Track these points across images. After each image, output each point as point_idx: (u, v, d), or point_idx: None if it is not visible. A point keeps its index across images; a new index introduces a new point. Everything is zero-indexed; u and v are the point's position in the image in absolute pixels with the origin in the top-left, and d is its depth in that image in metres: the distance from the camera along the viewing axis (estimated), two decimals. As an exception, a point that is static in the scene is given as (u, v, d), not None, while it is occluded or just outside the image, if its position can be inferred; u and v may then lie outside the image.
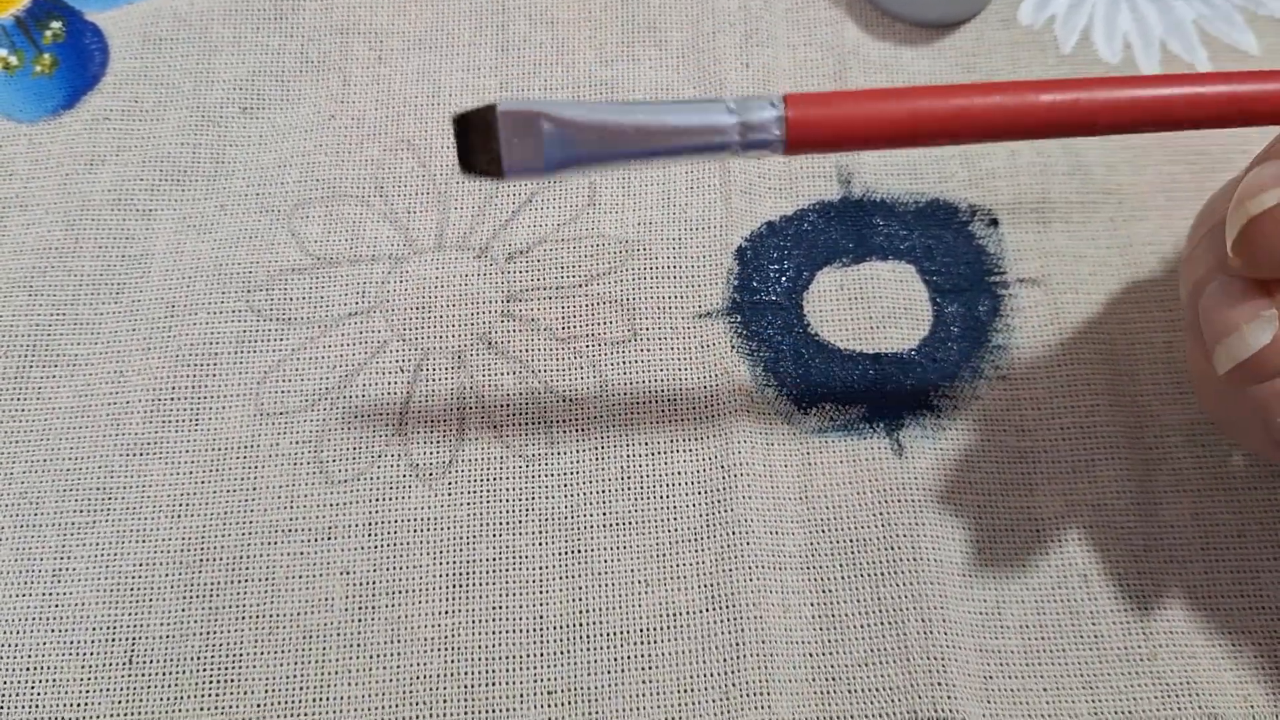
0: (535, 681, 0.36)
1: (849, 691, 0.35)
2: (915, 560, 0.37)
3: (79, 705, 0.35)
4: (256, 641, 0.36)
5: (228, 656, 0.36)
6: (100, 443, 0.39)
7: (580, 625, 0.36)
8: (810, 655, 0.36)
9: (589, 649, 0.36)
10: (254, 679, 0.36)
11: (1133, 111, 0.28)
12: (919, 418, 0.39)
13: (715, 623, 0.36)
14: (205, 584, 0.37)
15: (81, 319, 0.40)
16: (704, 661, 0.36)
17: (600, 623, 0.36)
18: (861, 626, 0.36)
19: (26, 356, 0.40)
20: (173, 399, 0.39)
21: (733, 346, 0.40)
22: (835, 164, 0.43)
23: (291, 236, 0.42)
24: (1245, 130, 0.29)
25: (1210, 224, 0.33)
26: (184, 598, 0.37)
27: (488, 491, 0.38)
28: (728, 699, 0.35)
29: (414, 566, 0.37)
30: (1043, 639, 0.36)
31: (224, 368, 0.40)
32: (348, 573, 0.37)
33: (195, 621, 0.36)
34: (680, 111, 0.28)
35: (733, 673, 0.35)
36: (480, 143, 0.28)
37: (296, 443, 0.39)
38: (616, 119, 0.28)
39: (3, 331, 0.40)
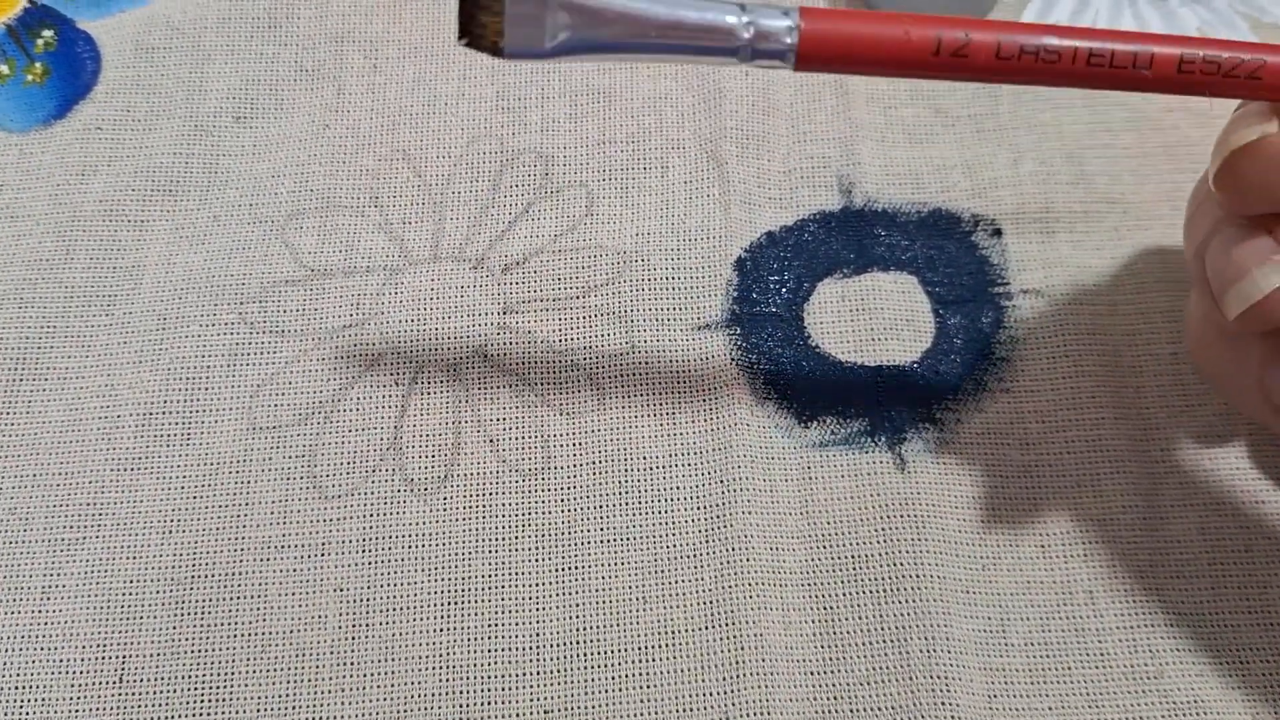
0: (532, 700, 0.35)
1: (851, 711, 0.35)
2: (918, 576, 0.36)
3: (68, 725, 0.35)
4: (249, 659, 0.36)
5: (219, 675, 0.35)
6: (90, 457, 0.38)
7: (577, 643, 0.36)
8: (811, 674, 0.35)
9: (586, 667, 0.35)
10: (246, 697, 0.35)
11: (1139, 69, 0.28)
12: (921, 431, 0.39)
13: (715, 640, 0.36)
14: (197, 601, 0.36)
15: (72, 331, 0.40)
16: (703, 680, 0.35)
17: (598, 640, 0.36)
18: (863, 644, 0.36)
19: (16, 370, 0.39)
20: (164, 413, 0.39)
21: (732, 359, 0.40)
22: (836, 174, 0.43)
23: (285, 248, 0.41)
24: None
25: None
26: (175, 615, 0.36)
27: (483, 506, 0.38)
28: (727, 718, 0.35)
29: (409, 583, 0.37)
30: (1048, 657, 0.36)
31: (216, 381, 0.39)
32: (341, 589, 0.36)
33: (187, 639, 0.36)
34: (693, 7, 0.28)
35: (732, 691, 0.35)
36: (484, 15, 0.27)
37: (290, 457, 0.38)
38: (626, 5, 0.28)
39: (-8, 344, 0.40)
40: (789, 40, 0.28)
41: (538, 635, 0.36)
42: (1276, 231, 0.30)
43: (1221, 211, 0.32)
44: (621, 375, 0.39)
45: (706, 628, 0.36)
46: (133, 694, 0.35)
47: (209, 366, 0.39)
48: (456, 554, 0.37)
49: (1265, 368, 0.32)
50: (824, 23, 0.28)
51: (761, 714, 0.35)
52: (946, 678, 0.35)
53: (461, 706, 0.35)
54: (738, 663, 0.35)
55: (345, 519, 0.37)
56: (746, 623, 0.36)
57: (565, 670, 0.35)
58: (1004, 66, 0.28)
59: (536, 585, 0.37)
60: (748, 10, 0.28)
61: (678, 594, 0.36)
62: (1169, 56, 0.28)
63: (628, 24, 0.28)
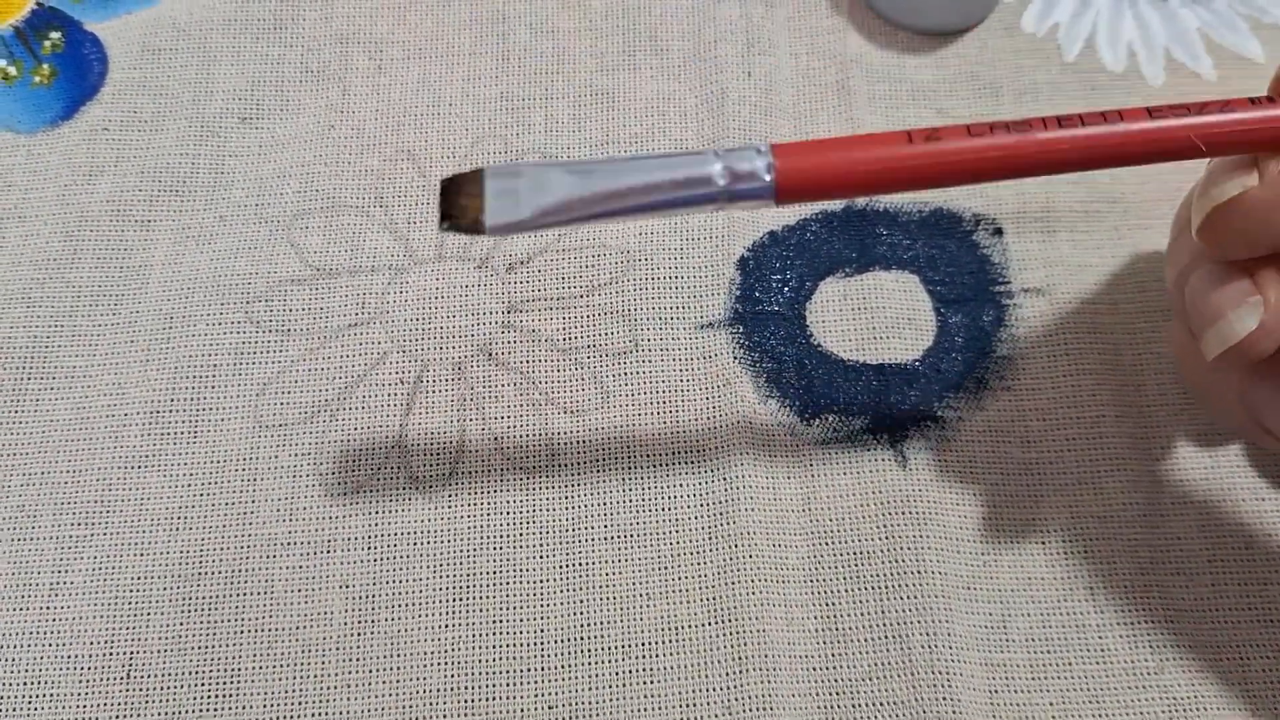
0: (536, 696, 0.35)
1: (853, 706, 0.35)
2: (919, 573, 0.37)
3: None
4: (255, 655, 0.36)
5: (226, 671, 0.36)
6: (98, 455, 0.38)
7: (581, 639, 0.36)
8: (814, 669, 0.36)
9: (590, 663, 0.36)
10: (252, 693, 0.35)
11: (1118, 147, 0.29)
12: (923, 429, 0.39)
13: (718, 636, 0.36)
14: (204, 598, 0.36)
15: (80, 331, 0.40)
16: (706, 676, 0.35)
17: (601, 636, 0.36)
18: (865, 640, 0.36)
19: (24, 369, 0.40)
20: (171, 411, 0.39)
21: (735, 358, 0.40)
22: (838, 173, 0.43)
23: (291, 247, 0.42)
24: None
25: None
26: (182, 611, 0.36)
27: (488, 504, 0.38)
28: (730, 713, 0.35)
29: (414, 580, 0.37)
30: (1048, 653, 0.36)
31: (223, 380, 0.39)
32: (347, 586, 0.37)
33: (193, 635, 0.36)
34: (667, 167, 0.28)
35: (735, 687, 0.35)
36: (464, 198, 0.28)
37: (296, 455, 0.38)
38: (598, 186, 0.28)
39: (0, 344, 0.40)
40: (767, 179, 0.28)
41: (542, 631, 0.36)
42: (1255, 273, 0.30)
43: (1198, 246, 0.32)
44: (625, 373, 0.40)
45: (710, 624, 0.36)
46: (140, 690, 0.35)
47: (215, 365, 0.40)
48: (461, 551, 0.37)
49: (1245, 385, 0.32)
50: (798, 156, 0.28)
51: (764, 709, 0.35)
52: (948, 673, 0.35)
53: (466, 702, 0.35)
54: (740, 658, 0.35)
55: (351, 516, 0.38)
56: (749, 619, 0.36)
57: (569, 666, 0.36)
58: (982, 152, 0.28)
59: (541, 582, 0.37)
60: (720, 156, 0.28)
61: (681, 590, 0.37)
62: (1140, 130, 0.29)
63: (602, 199, 0.28)
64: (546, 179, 0.28)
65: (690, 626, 0.36)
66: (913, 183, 0.29)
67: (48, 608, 0.36)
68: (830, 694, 0.35)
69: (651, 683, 0.35)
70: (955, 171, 0.29)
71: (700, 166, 0.28)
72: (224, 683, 0.35)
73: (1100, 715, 0.35)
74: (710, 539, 0.37)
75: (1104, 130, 0.28)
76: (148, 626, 0.36)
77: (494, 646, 0.36)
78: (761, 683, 0.35)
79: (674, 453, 0.38)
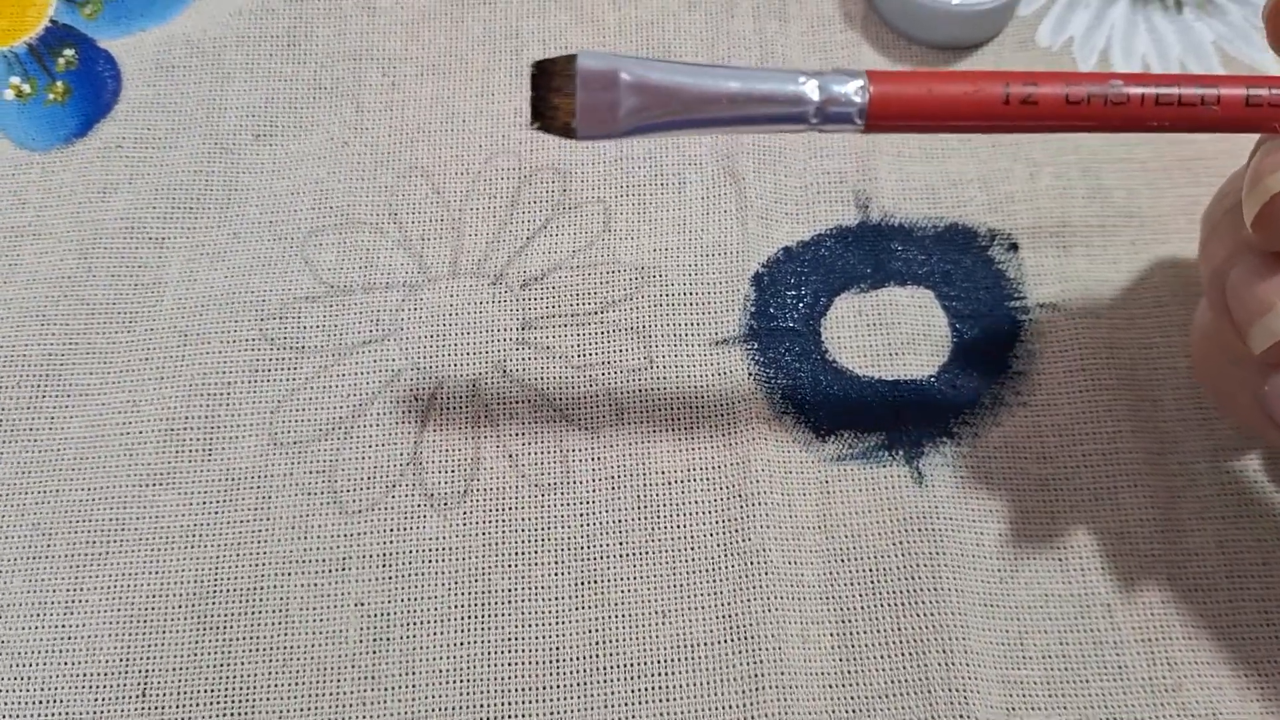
0: (551, 714, 0.35)
1: (870, 724, 0.35)
2: (936, 590, 0.36)
3: (91, 739, 0.35)
4: (270, 674, 0.36)
5: (241, 689, 0.36)
6: (113, 473, 0.38)
7: (597, 656, 0.36)
8: (830, 687, 0.35)
9: (605, 680, 0.36)
10: (267, 712, 0.35)
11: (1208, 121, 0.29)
12: (939, 445, 0.39)
13: (733, 654, 0.36)
14: (218, 615, 0.36)
15: (94, 348, 0.40)
16: (722, 693, 0.35)
17: (617, 654, 0.36)
18: (882, 657, 0.36)
19: (39, 386, 0.40)
20: (185, 429, 0.39)
21: (750, 374, 0.40)
22: (853, 188, 0.43)
23: (305, 264, 0.42)
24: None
25: (1226, 207, 0.33)
26: (197, 629, 0.36)
27: (503, 521, 0.38)
28: (747, 732, 0.35)
29: (429, 597, 0.37)
30: (1066, 669, 0.36)
31: (237, 397, 0.39)
32: (362, 604, 0.37)
33: (208, 653, 0.36)
34: (762, 79, 0.28)
35: (751, 704, 0.35)
36: (556, 97, 0.28)
37: (310, 472, 0.38)
38: (696, 83, 0.28)
39: (15, 361, 0.40)
40: (859, 101, 0.28)
41: (557, 649, 0.36)
42: None
43: (1240, 236, 0.32)
44: (640, 390, 0.40)
45: (725, 641, 0.36)
46: (155, 708, 0.35)
47: (230, 383, 0.40)
48: (476, 568, 0.37)
49: (1264, 381, 0.32)
50: (891, 85, 0.28)
51: (780, 727, 0.35)
52: (965, 690, 0.35)
53: (481, 720, 0.35)
54: (756, 675, 0.35)
55: (365, 534, 0.38)
56: (765, 636, 0.36)
57: (584, 684, 0.36)
58: (1073, 113, 0.28)
59: (556, 599, 0.37)
60: (816, 76, 0.28)
61: (696, 607, 0.36)
62: (1235, 95, 0.29)
63: (699, 101, 0.28)
64: (642, 80, 0.27)
65: (706, 644, 0.36)
66: (997, 129, 0.29)
67: (63, 625, 0.36)
68: (846, 712, 0.35)
69: (667, 700, 0.35)
70: (1042, 126, 0.29)
71: (795, 83, 0.28)
72: (239, 700, 0.35)
73: (1118, 733, 0.35)
74: (726, 555, 0.37)
75: (1197, 107, 0.28)
76: (163, 644, 0.36)
77: (509, 664, 0.36)
78: (777, 700, 0.35)
79: (689, 469, 0.38)
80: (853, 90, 0.28)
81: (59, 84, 0.45)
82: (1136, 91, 0.28)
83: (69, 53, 0.46)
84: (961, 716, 0.35)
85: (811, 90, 0.28)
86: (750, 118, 0.28)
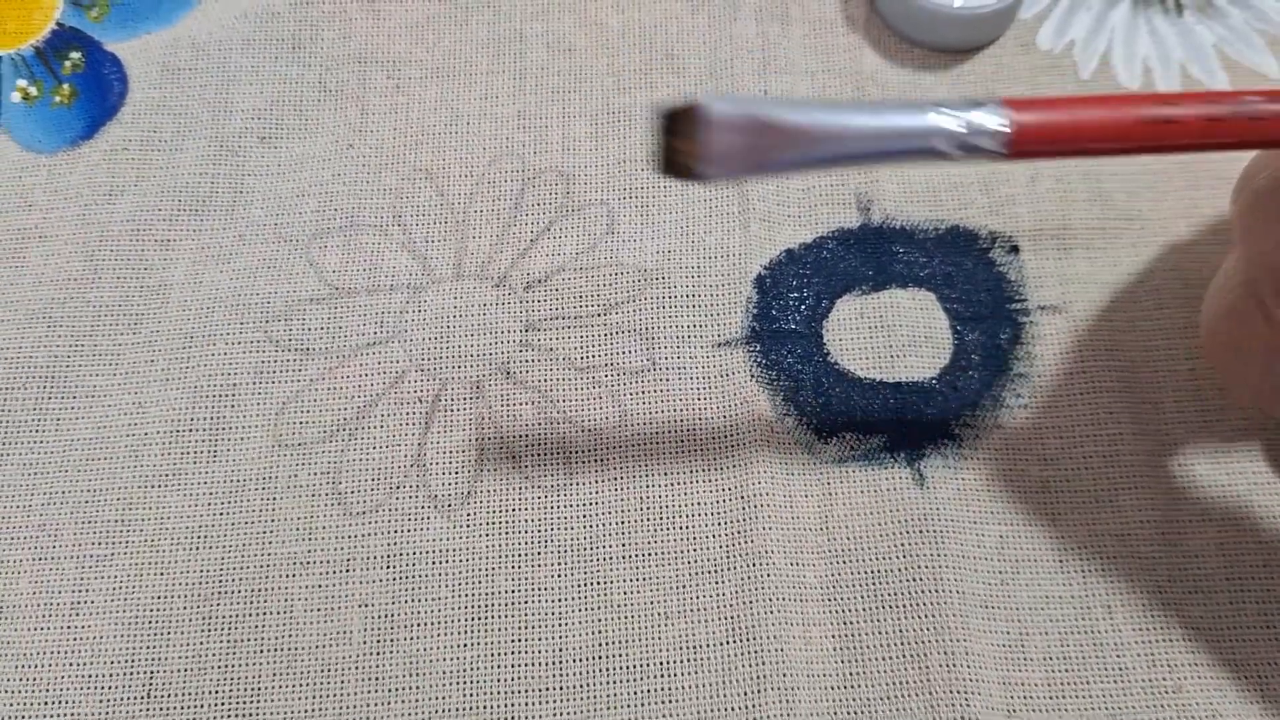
0: (555, 715, 0.35)
1: (871, 725, 0.35)
2: (937, 591, 0.37)
3: (97, 739, 0.35)
4: (275, 674, 0.36)
5: (246, 689, 0.36)
6: (119, 474, 0.39)
7: (600, 658, 0.36)
8: (832, 688, 0.36)
9: (609, 682, 0.36)
10: (272, 712, 0.35)
11: None
12: (940, 447, 0.39)
13: (736, 655, 0.36)
14: (223, 616, 0.37)
15: (100, 350, 0.40)
16: (725, 695, 0.35)
17: (620, 655, 0.36)
18: (883, 659, 0.36)
19: (45, 387, 0.40)
20: (191, 430, 0.39)
21: (752, 376, 0.40)
22: (854, 191, 0.43)
23: (310, 266, 0.42)
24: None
25: (1262, 188, 0.33)
26: (202, 630, 0.36)
27: (506, 523, 0.38)
28: (749, 732, 0.35)
29: (433, 599, 0.37)
30: (1067, 671, 0.36)
31: (242, 398, 0.40)
32: (366, 605, 0.37)
33: (214, 654, 0.36)
34: (899, 112, 0.28)
35: (754, 706, 0.35)
36: (680, 141, 0.27)
37: (315, 474, 0.39)
38: (828, 123, 0.27)
39: (22, 362, 0.40)
40: (1004, 131, 0.28)
41: (560, 650, 0.36)
42: None
43: None
44: (643, 392, 0.40)
45: (727, 642, 0.36)
46: (160, 708, 0.35)
47: (235, 384, 0.40)
48: (480, 570, 0.37)
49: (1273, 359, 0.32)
50: (1034, 113, 0.28)
51: (783, 728, 0.35)
52: (966, 692, 0.35)
53: (485, 721, 0.35)
54: (759, 677, 0.35)
55: (370, 535, 0.38)
56: (767, 637, 0.36)
57: (588, 685, 0.36)
58: (1213, 130, 0.28)
59: (559, 600, 0.37)
60: (952, 109, 0.28)
61: (699, 609, 0.37)
62: None
63: (832, 141, 0.28)
64: (770, 122, 0.27)
65: (709, 645, 0.36)
66: (1137, 150, 0.29)
67: (68, 626, 0.37)
68: (849, 713, 0.35)
69: (670, 702, 0.35)
70: (1181, 146, 0.29)
71: (927, 116, 0.28)
72: (244, 701, 0.36)
73: (1119, 734, 0.35)
74: (728, 557, 0.37)
75: None
76: (168, 645, 0.36)
77: (512, 665, 0.36)
78: (780, 702, 0.35)
79: (691, 471, 0.39)
80: (995, 122, 0.27)
81: (65, 86, 0.45)
82: (1275, 108, 0.28)
83: (75, 55, 0.46)
84: (963, 718, 0.35)
85: (948, 123, 0.28)
86: (884, 153, 0.28)
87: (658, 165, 0.28)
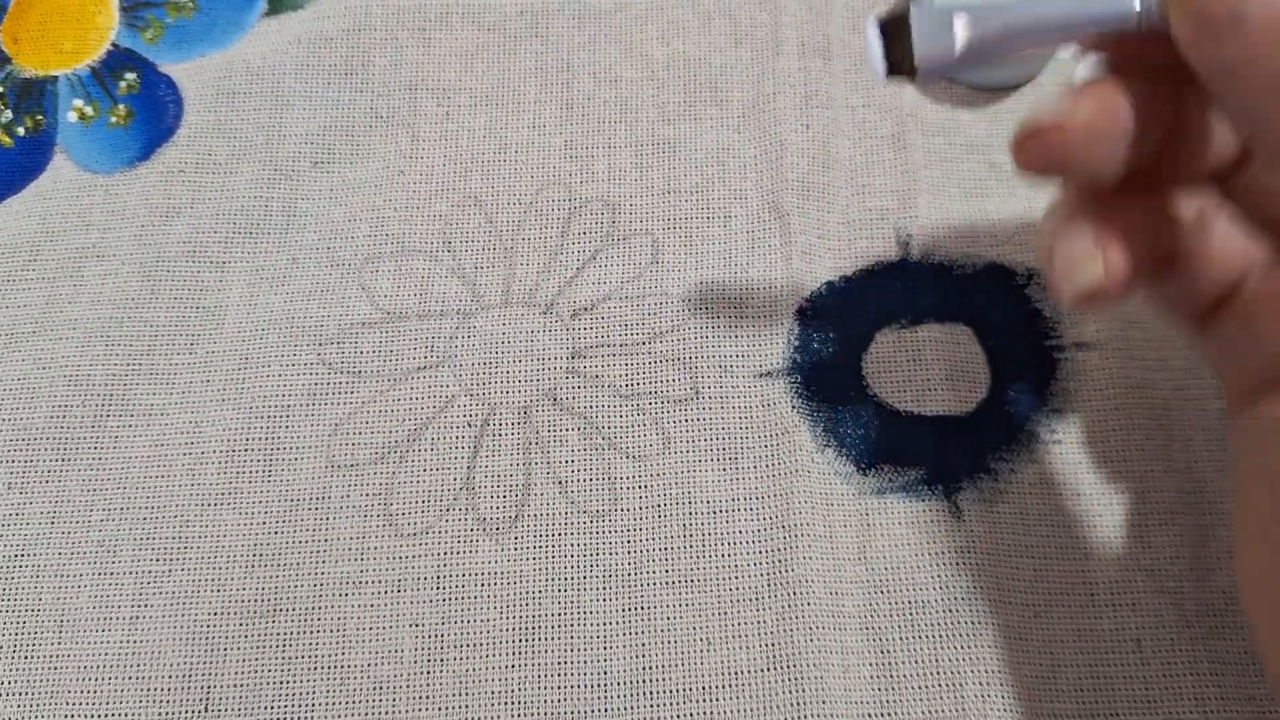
0: (600, 737, 0.36)
1: (908, 753, 0.36)
2: (973, 623, 0.37)
3: (157, 752, 0.36)
4: (329, 692, 0.37)
5: (301, 706, 0.37)
6: (176, 492, 0.40)
7: (643, 682, 0.37)
8: (869, 716, 0.36)
9: (652, 706, 0.37)
10: (324, 728, 0.36)
11: None
12: (976, 481, 0.40)
13: (776, 682, 0.37)
14: (278, 634, 0.38)
15: (157, 369, 0.41)
16: (765, 720, 0.36)
17: (663, 680, 0.37)
18: (920, 689, 0.37)
19: (104, 406, 0.41)
20: (246, 450, 0.40)
21: (793, 406, 0.41)
22: (894, 226, 0.44)
23: (362, 290, 0.43)
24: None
25: None
26: (258, 647, 0.37)
27: (552, 547, 0.39)
28: (788, 757, 0.36)
29: (481, 620, 0.38)
30: (1097, 704, 0.37)
31: (296, 420, 0.41)
32: (417, 625, 0.38)
33: (269, 671, 0.37)
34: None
35: (793, 731, 0.36)
36: (895, 43, 0.29)
37: (367, 495, 0.40)
38: (1029, 10, 0.29)
39: (81, 380, 0.41)
40: None
41: (605, 674, 0.37)
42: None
43: None
44: (686, 420, 0.41)
45: (768, 669, 0.37)
46: (217, 722, 0.37)
47: (289, 406, 0.41)
48: (527, 593, 0.38)
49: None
50: None
51: (822, 755, 0.36)
52: (1000, 723, 0.36)
53: (532, 741, 0.36)
54: (798, 704, 0.36)
55: (420, 556, 0.39)
56: (807, 665, 0.37)
57: (631, 709, 0.37)
58: None
59: (604, 625, 0.38)
60: None
61: (740, 635, 0.38)
62: None
63: (1030, 27, 0.29)
64: (975, 16, 0.29)
65: (750, 672, 0.37)
66: None
67: (128, 640, 0.38)
68: (885, 740, 0.36)
69: (711, 726, 0.36)
70: None
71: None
72: (299, 717, 0.37)
73: (1147, 766, 0.36)
74: (769, 585, 0.38)
75: None
76: (225, 660, 0.37)
77: (558, 687, 0.37)
78: (819, 728, 0.36)
79: (733, 499, 0.39)
80: None
81: (121, 107, 0.46)
82: None
83: (130, 76, 0.47)
84: (995, 746, 0.36)
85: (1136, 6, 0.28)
86: (1077, 28, 0.29)
87: (878, 74, 0.30)
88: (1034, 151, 0.30)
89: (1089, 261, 0.30)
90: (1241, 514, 0.31)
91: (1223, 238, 0.31)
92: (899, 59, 0.29)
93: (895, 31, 0.29)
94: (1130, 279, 0.30)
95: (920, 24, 0.29)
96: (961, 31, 0.29)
